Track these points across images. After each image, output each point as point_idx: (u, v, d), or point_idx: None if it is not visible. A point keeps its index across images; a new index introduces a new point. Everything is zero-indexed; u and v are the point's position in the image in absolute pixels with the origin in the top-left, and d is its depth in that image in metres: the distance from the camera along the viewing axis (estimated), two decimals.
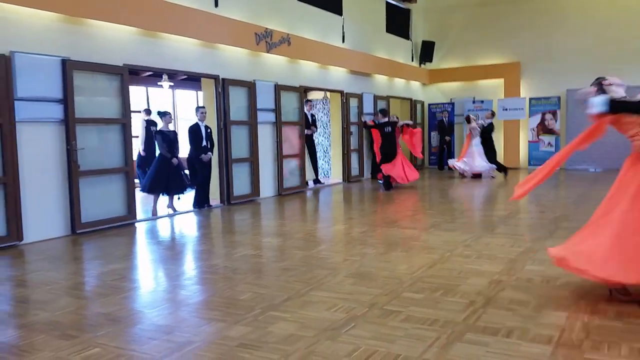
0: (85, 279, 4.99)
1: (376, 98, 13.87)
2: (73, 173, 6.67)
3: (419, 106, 16.48)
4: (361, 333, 3.19)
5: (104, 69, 7.09)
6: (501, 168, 12.84)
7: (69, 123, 6.62)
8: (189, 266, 5.30)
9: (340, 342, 3.07)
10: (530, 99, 15.29)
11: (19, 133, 6.17)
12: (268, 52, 9.87)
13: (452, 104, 16.24)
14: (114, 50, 7.25)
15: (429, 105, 16.72)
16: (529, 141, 15.42)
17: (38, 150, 6.38)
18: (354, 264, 4.91)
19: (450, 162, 13.39)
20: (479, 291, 3.96)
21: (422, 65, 16.48)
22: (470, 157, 12.72)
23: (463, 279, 4.32)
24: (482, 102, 15.88)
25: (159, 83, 12.46)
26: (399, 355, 2.86)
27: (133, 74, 9.40)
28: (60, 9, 6.48)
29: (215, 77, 8.99)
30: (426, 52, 16.18)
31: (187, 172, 8.88)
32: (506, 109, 15.42)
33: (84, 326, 3.51)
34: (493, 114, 13.34)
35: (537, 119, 15.27)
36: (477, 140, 12.70)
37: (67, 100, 6.58)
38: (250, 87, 9.65)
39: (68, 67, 6.57)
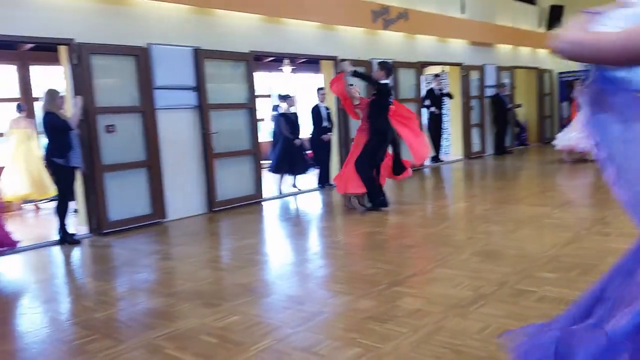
0: (222, 252, 5.38)
1: (499, 69, 13.20)
2: (208, 155, 7.18)
3: (546, 76, 15.41)
4: (491, 311, 3.12)
5: (231, 56, 7.48)
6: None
7: (203, 109, 7.10)
8: (314, 242, 5.49)
9: (470, 319, 3.03)
10: None
11: (159, 120, 6.74)
12: (385, 30, 9.78)
13: (587, 71, 14.92)
14: (240, 37, 7.61)
15: (559, 74, 15.56)
16: None
17: (176, 135, 6.93)
18: (480, 242, 4.78)
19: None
20: None
21: (551, 31, 15.34)
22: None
23: (602, 258, 4.03)
24: None
25: (279, 68, 12.88)
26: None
27: (257, 60, 9.80)
28: (192, 1, 6.91)
29: (333, 59, 9.10)
30: (555, 16, 15.01)
31: (309, 152, 9.16)
32: None
33: (224, 295, 3.80)
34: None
35: None
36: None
37: (200, 88, 7.05)
38: (367, 67, 9.64)
39: (199, 56, 7.03)
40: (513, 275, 3.76)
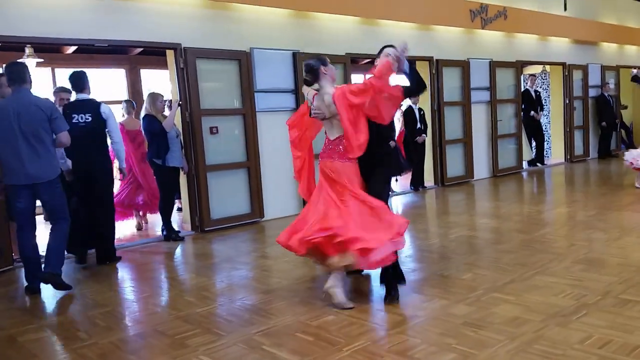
0: None
1: (604, 68, 12.44)
2: None
3: None
4: (594, 321, 3.03)
5: (329, 59, 7.62)
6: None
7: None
8: (407, 244, 5.49)
9: (571, 329, 2.96)
10: None
11: (258, 122, 7.03)
12: (483, 29, 9.56)
13: None
14: (337, 40, 7.74)
15: None
16: None
17: (275, 137, 7.15)
18: (582, 250, 4.60)
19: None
20: None
21: None
22: None
23: None
24: None
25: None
26: (638, 347, 2.67)
27: (353, 62, 9.93)
28: (293, 5, 7.13)
29: (429, 59, 9.03)
30: None
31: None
32: None
33: (319, 294, 3.89)
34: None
35: None
36: None
37: (297, 90, 7.28)
38: (464, 67, 9.48)
39: (298, 60, 7.25)
40: (617, 285, 3.60)
